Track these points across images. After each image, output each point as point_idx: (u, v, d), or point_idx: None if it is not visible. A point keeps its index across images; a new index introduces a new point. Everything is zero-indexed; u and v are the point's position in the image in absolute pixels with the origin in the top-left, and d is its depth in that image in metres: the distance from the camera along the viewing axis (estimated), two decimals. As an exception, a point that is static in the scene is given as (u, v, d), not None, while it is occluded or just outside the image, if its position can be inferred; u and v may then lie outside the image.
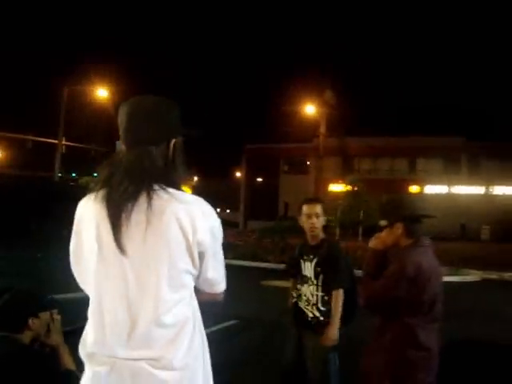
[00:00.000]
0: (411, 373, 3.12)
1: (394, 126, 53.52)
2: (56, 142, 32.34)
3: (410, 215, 3.26)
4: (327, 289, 4.42)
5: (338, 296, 4.36)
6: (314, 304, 4.46)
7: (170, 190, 1.87)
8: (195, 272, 1.93)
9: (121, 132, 1.96)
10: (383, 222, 3.29)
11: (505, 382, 4.87)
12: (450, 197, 43.80)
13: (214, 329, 7.76)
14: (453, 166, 45.02)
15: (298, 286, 4.58)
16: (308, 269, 4.49)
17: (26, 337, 3.12)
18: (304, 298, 4.52)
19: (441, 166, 45.97)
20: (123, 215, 1.82)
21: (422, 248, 3.21)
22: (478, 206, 41.80)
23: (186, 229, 1.85)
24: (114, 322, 1.88)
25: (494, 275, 17.41)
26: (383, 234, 3.29)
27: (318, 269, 4.44)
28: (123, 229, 1.82)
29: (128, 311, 1.86)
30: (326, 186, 40.41)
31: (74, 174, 40.30)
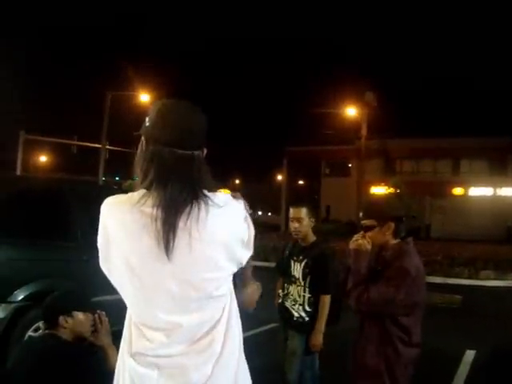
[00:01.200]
0: (405, 370, 3.16)
1: (436, 126, 52.65)
2: (100, 146, 32.89)
3: (400, 215, 3.26)
4: (314, 290, 4.48)
5: (325, 301, 4.43)
6: (300, 304, 4.51)
7: (211, 195, 1.91)
8: (240, 267, 2.00)
9: (165, 131, 1.89)
10: (367, 222, 3.25)
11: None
12: (495, 199, 42.86)
13: (256, 331, 7.75)
14: (498, 167, 44.05)
15: (286, 285, 4.63)
16: (297, 269, 4.54)
17: (64, 334, 3.20)
18: (291, 297, 4.56)
19: (486, 168, 45.04)
20: (176, 221, 1.82)
21: (412, 248, 3.24)
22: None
23: (229, 231, 1.91)
24: (159, 324, 1.90)
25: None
26: (371, 233, 3.24)
27: (307, 270, 4.49)
28: (172, 235, 1.82)
29: (172, 314, 1.89)
30: (367, 189, 40.06)
31: (117, 178, 40.97)
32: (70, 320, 3.22)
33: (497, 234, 38.83)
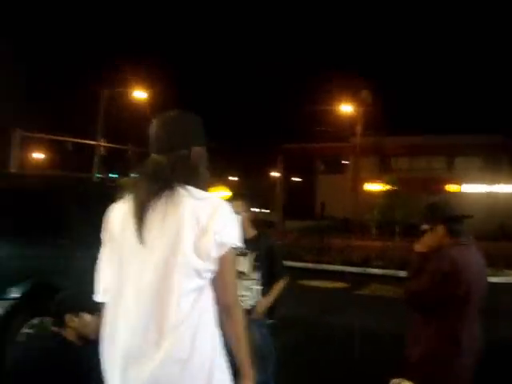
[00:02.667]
0: (445, 368, 3.20)
1: (431, 124, 52.75)
2: (95, 143, 32.79)
3: (450, 216, 3.37)
4: (266, 282, 4.45)
5: (283, 283, 4.53)
6: (253, 297, 4.41)
7: (189, 187, 2.05)
8: (210, 265, 2.01)
9: (149, 142, 2.21)
10: (425, 227, 3.43)
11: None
12: (489, 196, 42.97)
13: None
14: (492, 164, 44.13)
15: None
16: (244, 264, 4.41)
17: (68, 333, 3.19)
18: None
19: (480, 165, 45.10)
20: (146, 211, 2.01)
21: (461, 246, 3.31)
22: (520, 205, 40.81)
23: (200, 221, 1.98)
24: (133, 314, 1.98)
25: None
26: (425, 237, 3.42)
27: (257, 263, 4.42)
28: (144, 223, 2.00)
29: (148, 300, 1.96)
30: (362, 186, 40.14)
31: (112, 175, 40.82)
32: (76, 320, 3.19)
33: (490, 231, 38.88)
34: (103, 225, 2.18)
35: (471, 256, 3.31)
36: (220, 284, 2.06)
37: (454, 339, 3.20)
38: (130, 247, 2.03)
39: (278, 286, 4.51)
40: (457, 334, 3.20)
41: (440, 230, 3.35)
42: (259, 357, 4.37)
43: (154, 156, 2.16)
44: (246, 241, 4.36)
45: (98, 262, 2.19)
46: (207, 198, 2.04)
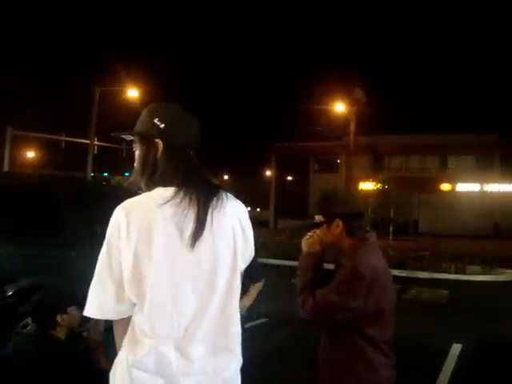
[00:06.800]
0: None
1: (424, 122, 52.83)
2: (88, 142, 32.67)
3: (349, 211, 2.79)
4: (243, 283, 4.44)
5: (260, 285, 4.62)
6: None
7: (225, 191, 2.04)
8: (246, 263, 2.10)
9: (187, 135, 2.04)
10: (319, 218, 2.81)
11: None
12: (482, 195, 43.10)
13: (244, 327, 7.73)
14: (485, 163, 44.25)
15: None
16: None
17: (59, 332, 3.18)
18: None
19: (473, 164, 45.24)
20: (205, 214, 1.92)
21: (371, 246, 2.75)
22: (512, 204, 40.96)
23: (242, 224, 2.04)
24: (182, 317, 1.89)
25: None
26: (320, 231, 2.80)
27: None
28: (201, 227, 1.91)
29: (197, 306, 1.90)
30: (356, 185, 40.15)
31: (105, 174, 40.75)
32: (66, 317, 3.19)
33: (484, 230, 39.04)
34: (117, 225, 1.88)
35: (383, 260, 2.78)
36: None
37: (386, 355, 2.67)
38: (176, 245, 1.88)
39: (256, 290, 4.60)
40: (383, 357, 2.65)
41: (337, 225, 2.74)
42: None
43: (185, 151, 2.03)
44: None
45: (104, 266, 1.91)
46: (237, 200, 2.09)
